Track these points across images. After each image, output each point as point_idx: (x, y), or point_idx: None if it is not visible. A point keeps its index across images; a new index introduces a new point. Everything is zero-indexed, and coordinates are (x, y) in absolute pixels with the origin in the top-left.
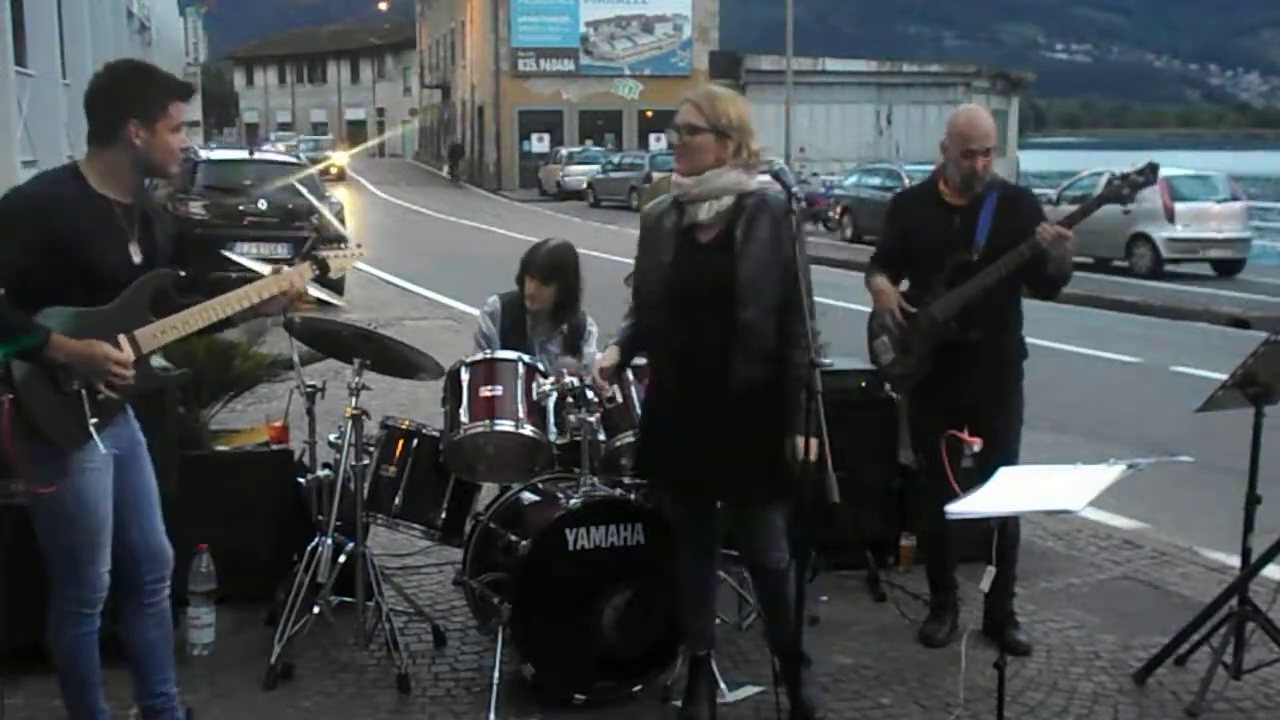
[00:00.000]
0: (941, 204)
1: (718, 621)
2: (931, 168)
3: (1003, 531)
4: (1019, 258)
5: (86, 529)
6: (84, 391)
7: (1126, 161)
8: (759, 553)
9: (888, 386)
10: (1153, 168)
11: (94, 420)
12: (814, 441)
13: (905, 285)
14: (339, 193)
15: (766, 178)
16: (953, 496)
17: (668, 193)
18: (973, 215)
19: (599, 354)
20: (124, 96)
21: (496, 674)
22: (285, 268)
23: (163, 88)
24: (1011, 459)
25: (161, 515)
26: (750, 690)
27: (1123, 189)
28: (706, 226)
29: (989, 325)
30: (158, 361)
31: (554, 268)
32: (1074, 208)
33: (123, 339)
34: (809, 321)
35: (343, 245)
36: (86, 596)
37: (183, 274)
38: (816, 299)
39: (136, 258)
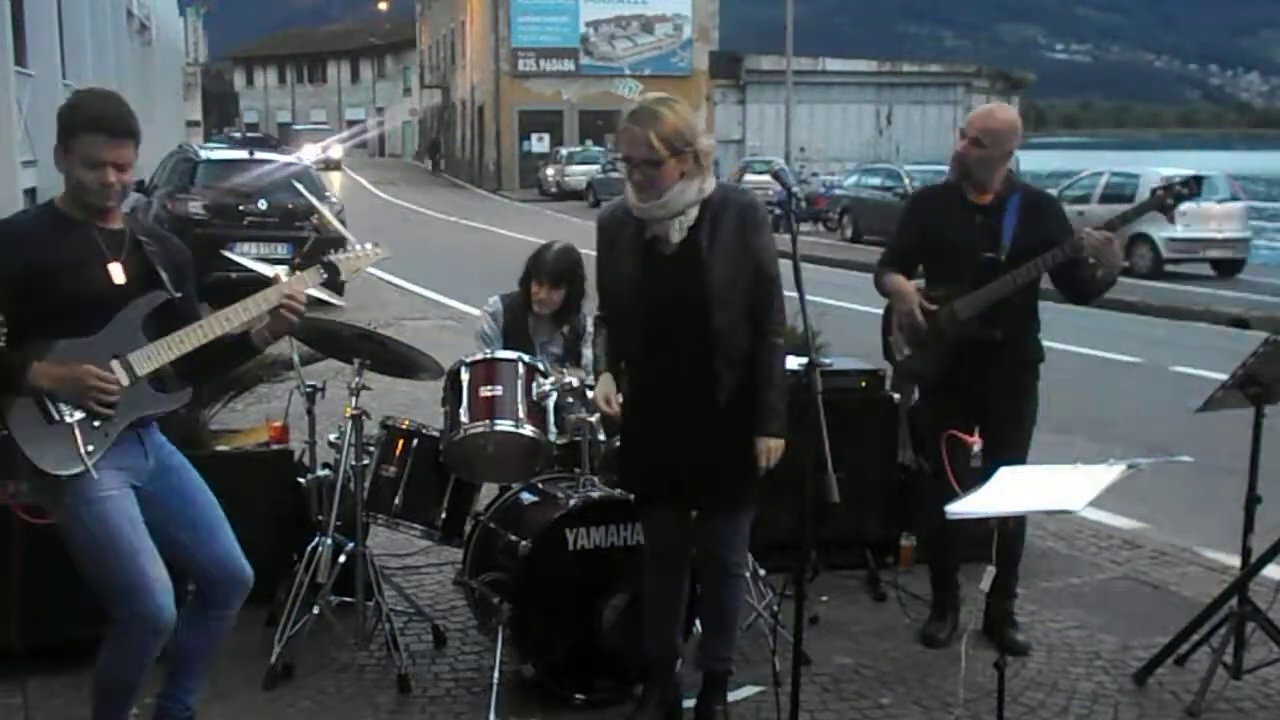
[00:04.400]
0: (965, 203)
1: None
2: (932, 167)
3: (1003, 531)
4: (1056, 258)
5: (112, 563)
6: (77, 422)
7: (1127, 161)
8: (729, 551)
9: (888, 386)
10: (1197, 180)
11: (89, 449)
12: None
13: (919, 284)
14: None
15: (767, 176)
16: (954, 496)
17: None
18: (997, 215)
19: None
20: (58, 121)
21: (496, 674)
22: (284, 277)
23: (78, 117)
24: (1022, 461)
25: (232, 533)
26: (750, 690)
27: (1166, 199)
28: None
29: (1011, 325)
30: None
31: (563, 271)
32: (1075, 209)
33: (115, 364)
34: (784, 315)
35: (346, 247)
36: (150, 628)
37: (179, 295)
38: (816, 299)
39: (119, 278)
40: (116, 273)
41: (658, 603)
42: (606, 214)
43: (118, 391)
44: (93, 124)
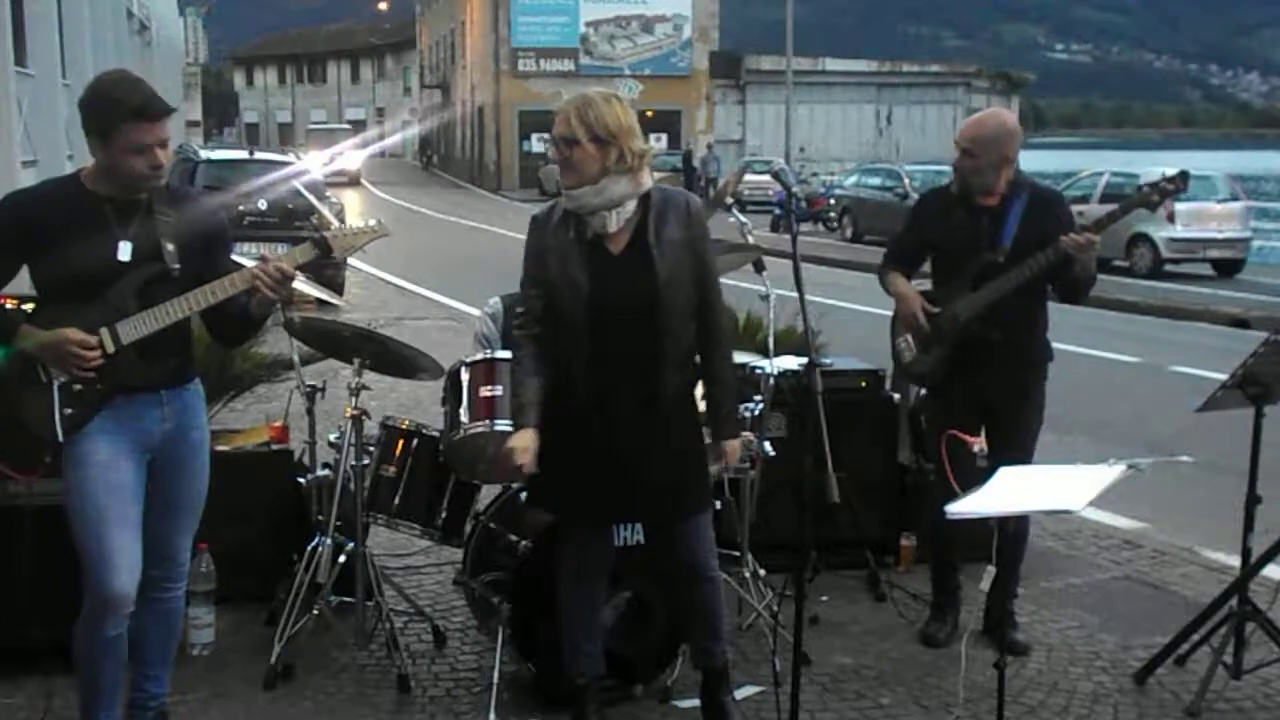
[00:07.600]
0: (969, 205)
1: None
2: (932, 167)
3: (1003, 531)
4: (1044, 261)
5: (85, 525)
6: (58, 384)
7: (1126, 162)
8: (698, 555)
9: (888, 386)
10: (1184, 175)
11: (67, 411)
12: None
13: (924, 285)
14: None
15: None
16: (955, 495)
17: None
18: (1001, 216)
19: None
20: (85, 115)
21: (496, 674)
22: (271, 253)
23: (116, 110)
24: (1027, 460)
25: (194, 527)
26: (750, 690)
27: (1152, 195)
28: (614, 236)
29: (1011, 326)
30: None
31: None
32: (1075, 209)
33: (103, 331)
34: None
35: (343, 222)
36: (98, 598)
37: (177, 267)
38: (816, 299)
39: (124, 255)
40: (124, 250)
41: (581, 614)
42: (544, 213)
43: (96, 358)
44: (136, 114)
